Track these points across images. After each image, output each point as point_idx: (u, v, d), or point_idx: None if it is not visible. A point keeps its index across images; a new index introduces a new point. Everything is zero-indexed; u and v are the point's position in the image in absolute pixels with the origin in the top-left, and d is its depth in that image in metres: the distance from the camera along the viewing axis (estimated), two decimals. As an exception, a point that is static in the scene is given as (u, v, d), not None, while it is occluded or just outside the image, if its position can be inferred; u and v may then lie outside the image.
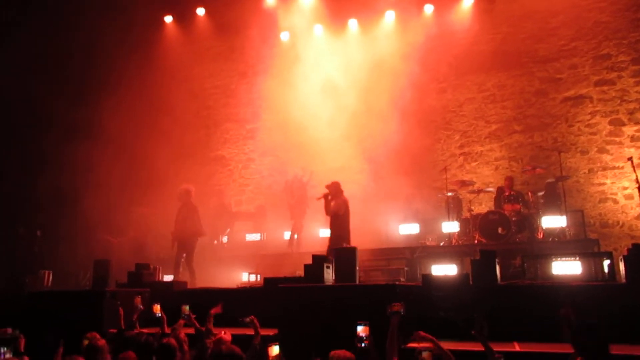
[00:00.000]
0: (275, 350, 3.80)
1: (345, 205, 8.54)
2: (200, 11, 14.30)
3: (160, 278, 9.77)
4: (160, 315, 5.80)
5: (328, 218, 8.69)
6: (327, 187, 8.71)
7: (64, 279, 10.28)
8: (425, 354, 3.39)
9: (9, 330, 5.22)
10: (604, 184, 10.97)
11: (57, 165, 11.42)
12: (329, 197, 8.61)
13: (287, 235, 11.58)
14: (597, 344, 3.55)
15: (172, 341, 4.35)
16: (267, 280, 7.53)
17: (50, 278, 9.84)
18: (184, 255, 9.35)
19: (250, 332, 5.42)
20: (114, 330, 5.94)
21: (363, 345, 3.93)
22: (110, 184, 11.68)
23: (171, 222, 9.98)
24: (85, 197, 11.16)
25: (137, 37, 13.56)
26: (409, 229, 10.79)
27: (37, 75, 12.72)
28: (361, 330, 3.97)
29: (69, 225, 11.47)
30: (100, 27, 12.95)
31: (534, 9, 11.68)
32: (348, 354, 3.21)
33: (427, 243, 10.34)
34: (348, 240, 8.25)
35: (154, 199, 11.91)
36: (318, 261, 6.78)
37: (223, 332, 5.22)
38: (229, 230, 12.35)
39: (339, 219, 8.44)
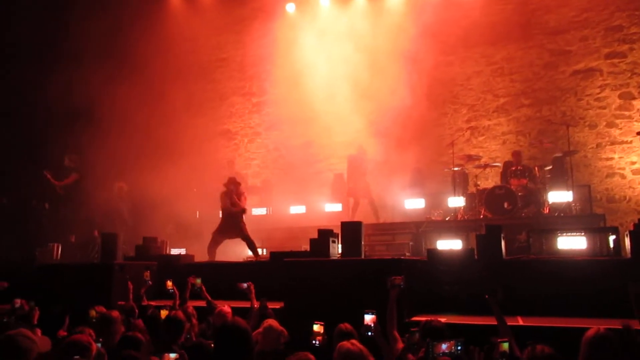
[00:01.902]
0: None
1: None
2: None
3: (167, 252, 9.89)
4: (172, 290, 5.90)
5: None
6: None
7: (71, 252, 10.39)
8: (504, 345, 3.40)
9: (18, 301, 5.32)
10: (611, 158, 10.89)
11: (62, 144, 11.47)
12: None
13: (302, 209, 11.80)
14: None
15: (180, 314, 4.42)
16: (273, 254, 7.60)
17: (60, 251, 9.98)
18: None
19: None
20: (122, 303, 6.04)
21: (370, 334, 3.96)
22: (114, 159, 11.69)
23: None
24: (89, 173, 11.24)
25: (141, 7, 13.38)
26: (415, 203, 10.79)
27: (35, 52, 12.65)
28: (369, 319, 3.99)
29: (77, 199, 11.54)
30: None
31: (545, -23, 11.42)
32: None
33: (433, 218, 10.35)
34: None
35: (161, 173, 11.97)
36: (324, 235, 6.81)
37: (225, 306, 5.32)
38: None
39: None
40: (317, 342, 4.00)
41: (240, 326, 3.11)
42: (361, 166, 11.17)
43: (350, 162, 11.39)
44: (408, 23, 12.06)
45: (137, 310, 5.54)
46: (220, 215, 9.38)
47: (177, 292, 5.90)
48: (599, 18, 11.26)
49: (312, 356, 3.19)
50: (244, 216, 9.30)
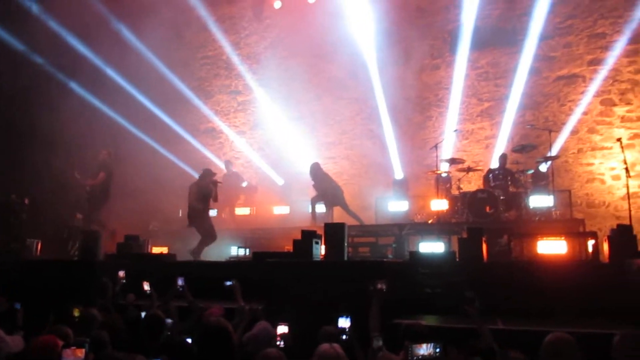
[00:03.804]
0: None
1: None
2: None
3: (149, 250, 9.81)
4: (150, 291, 5.82)
5: None
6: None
7: (51, 249, 10.25)
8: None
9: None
10: (592, 164, 11.05)
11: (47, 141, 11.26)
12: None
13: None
14: None
15: (159, 313, 4.37)
16: (255, 255, 7.57)
17: (39, 247, 9.84)
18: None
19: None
20: (102, 302, 5.96)
21: (345, 337, 3.95)
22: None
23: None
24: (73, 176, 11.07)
25: (128, 6, 13.23)
26: (398, 206, 10.85)
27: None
28: (343, 322, 3.99)
29: (57, 194, 11.38)
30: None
31: (532, -16, 11.53)
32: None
33: (416, 220, 10.41)
34: None
35: (143, 169, 11.88)
36: (307, 236, 6.81)
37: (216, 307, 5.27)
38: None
39: None
40: (282, 343, 3.99)
41: (221, 326, 3.09)
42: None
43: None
44: (395, 25, 12.14)
45: (113, 310, 5.46)
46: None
47: (154, 293, 5.82)
48: (583, 25, 11.43)
49: (275, 351, 3.20)
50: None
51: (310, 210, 10.76)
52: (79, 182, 10.34)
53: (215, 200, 9.03)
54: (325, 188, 10.63)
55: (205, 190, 8.91)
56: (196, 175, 13.03)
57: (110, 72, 12.76)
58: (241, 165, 14.02)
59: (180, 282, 5.71)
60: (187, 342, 4.14)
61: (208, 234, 8.90)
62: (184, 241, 10.62)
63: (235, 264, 8.47)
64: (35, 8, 11.62)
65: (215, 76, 14.90)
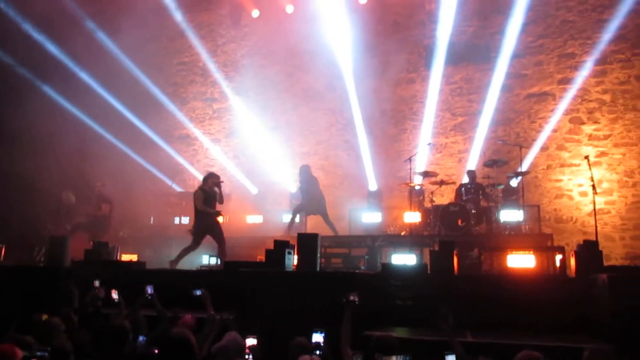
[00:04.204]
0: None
1: None
2: None
3: (118, 257, 9.62)
4: (118, 299, 5.70)
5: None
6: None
7: (16, 254, 9.96)
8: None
9: None
10: (560, 180, 11.31)
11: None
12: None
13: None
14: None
15: (123, 323, 4.27)
16: (227, 264, 7.49)
17: (3, 252, 9.55)
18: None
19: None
20: (68, 309, 5.80)
21: (319, 353, 3.94)
22: (64, 164, 11.31)
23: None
24: (41, 178, 10.83)
25: (102, 6, 13.07)
26: (372, 217, 10.89)
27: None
28: (317, 337, 3.98)
29: (23, 199, 11.09)
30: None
31: (505, 3, 11.80)
32: None
33: (389, 232, 10.47)
34: None
35: (115, 175, 11.69)
36: (280, 246, 6.78)
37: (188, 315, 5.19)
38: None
39: None
40: (251, 357, 3.96)
41: (184, 337, 3.04)
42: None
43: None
44: (372, 39, 12.26)
45: (76, 319, 5.31)
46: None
47: (122, 302, 5.69)
48: (554, 45, 11.74)
49: None
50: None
51: (288, 220, 10.70)
52: (67, 233, 10.10)
53: (221, 202, 8.86)
54: (313, 193, 10.57)
55: (210, 194, 8.75)
56: (168, 182, 12.98)
57: (82, 73, 12.57)
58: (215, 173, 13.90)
59: (149, 290, 5.60)
60: (152, 353, 4.05)
61: (222, 238, 8.71)
62: (155, 249, 10.48)
63: (206, 273, 8.35)
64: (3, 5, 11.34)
65: (191, 83, 14.79)
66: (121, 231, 11.64)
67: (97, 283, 6.14)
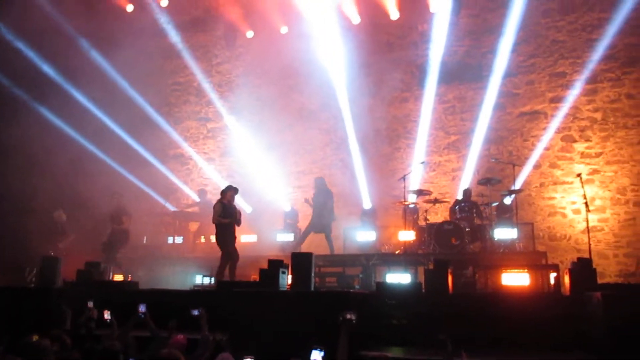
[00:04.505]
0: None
1: None
2: (164, 2, 13.62)
3: (110, 277, 9.55)
4: (110, 319, 5.64)
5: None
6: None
7: (7, 275, 9.85)
8: None
9: None
10: (553, 198, 11.36)
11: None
12: None
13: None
14: None
15: (115, 345, 4.22)
16: (220, 284, 7.45)
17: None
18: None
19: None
20: (56, 331, 5.73)
21: None
22: (58, 183, 11.26)
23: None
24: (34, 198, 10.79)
25: (98, 25, 13.14)
26: (366, 236, 10.87)
27: None
28: (316, 355, 3.95)
29: (15, 218, 11.03)
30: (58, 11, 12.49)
31: (496, 23, 11.98)
32: None
33: (383, 250, 10.45)
34: None
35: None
36: (274, 266, 6.76)
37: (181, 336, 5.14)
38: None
39: None
40: None
41: (172, 357, 3.02)
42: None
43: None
44: (366, 59, 12.38)
45: (70, 341, 5.24)
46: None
47: (115, 322, 5.64)
48: (545, 64, 11.90)
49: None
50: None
51: (282, 239, 10.72)
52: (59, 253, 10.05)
53: (239, 223, 8.76)
54: (324, 206, 10.67)
55: (229, 207, 8.68)
56: (162, 201, 12.96)
57: (77, 92, 12.58)
58: (210, 192, 13.85)
59: (142, 308, 5.55)
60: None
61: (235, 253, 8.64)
62: (148, 269, 10.41)
63: (199, 292, 8.30)
64: None
65: (185, 102, 14.85)
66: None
67: (90, 304, 6.08)
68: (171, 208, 13.08)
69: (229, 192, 8.81)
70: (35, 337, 4.69)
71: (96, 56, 12.79)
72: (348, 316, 4.39)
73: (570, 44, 11.75)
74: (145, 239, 12.15)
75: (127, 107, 12.93)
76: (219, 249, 8.57)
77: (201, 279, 9.17)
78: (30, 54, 11.84)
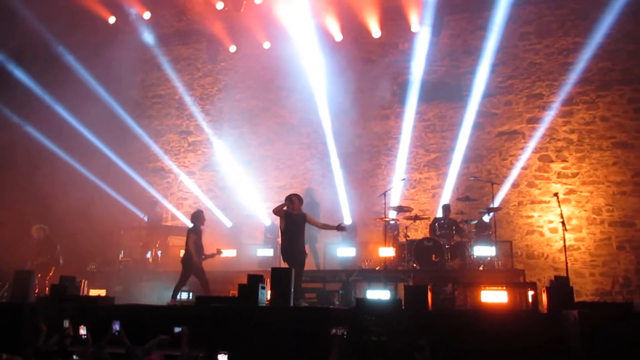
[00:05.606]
0: None
1: None
2: (146, 15, 13.52)
3: (85, 292, 9.35)
4: (85, 336, 5.51)
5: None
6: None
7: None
8: None
9: None
10: (531, 216, 11.52)
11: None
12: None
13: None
14: None
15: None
16: (199, 299, 7.35)
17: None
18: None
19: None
20: (28, 349, 5.57)
21: None
22: (38, 196, 11.06)
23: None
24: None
25: (79, 37, 13.03)
26: (347, 251, 10.86)
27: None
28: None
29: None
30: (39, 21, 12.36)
31: (475, 45, 12.23)
32: None
33: (364, 267, 10.44)
34: None
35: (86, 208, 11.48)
36: (253, 281, 6.70)
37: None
38: (158, 243, 11.92)
39: None
40: None
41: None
42: None
43: None
44: (347, 76, 12.47)
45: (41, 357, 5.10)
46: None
47: (90, 338, 5.51)
48: (522, 86, 12.15)
49: None
50: None
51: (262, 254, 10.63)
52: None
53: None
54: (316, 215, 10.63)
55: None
56: (140, 215, 12.76)
57: (56, 104, 12.43)
58: (189, 206, 13.73)
59: (116, 326, 5.46)
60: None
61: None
62: (125, 284, 10.22)
63: (177, 308, 8.16)
64: None
65: (167, 115, 14.74)
66: (89, 265, 11.32)
67: (66, 323, 5.93)
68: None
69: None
70: (4, 356, 4.57)
71: (77, 68, 12.66)
72: (339, 332, 4.38)
73: (547, 67, 12.04)
74: (122, 254, 11.94)
75: (107, 119, 12.80)
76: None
77: (179, 294, 9.02)
78: (10, 66, 11.70)
